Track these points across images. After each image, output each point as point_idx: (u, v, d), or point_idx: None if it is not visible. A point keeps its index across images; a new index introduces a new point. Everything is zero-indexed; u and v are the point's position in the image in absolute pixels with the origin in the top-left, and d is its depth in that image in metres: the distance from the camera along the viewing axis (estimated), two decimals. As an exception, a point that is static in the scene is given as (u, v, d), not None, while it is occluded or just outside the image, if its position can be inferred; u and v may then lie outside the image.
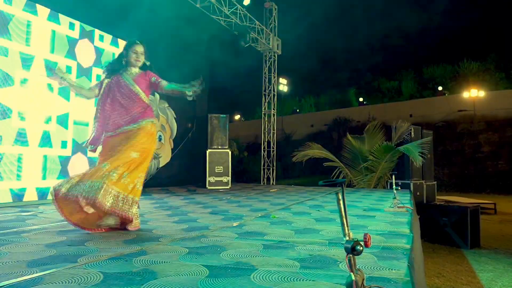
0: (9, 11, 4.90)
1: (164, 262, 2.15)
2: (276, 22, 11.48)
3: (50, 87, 5.40)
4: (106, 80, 3.47)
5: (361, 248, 1.30)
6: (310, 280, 1.85)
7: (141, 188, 3.28)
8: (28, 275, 1.87)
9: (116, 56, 3.60)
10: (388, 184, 9.48)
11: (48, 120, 5.39)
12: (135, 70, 3.48)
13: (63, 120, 5.63)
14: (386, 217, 4.13)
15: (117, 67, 3.49)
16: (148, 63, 3.55)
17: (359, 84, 33.97)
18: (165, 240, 2.81)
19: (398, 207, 4.69)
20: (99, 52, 6.29)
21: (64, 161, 5.62)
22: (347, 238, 1.35)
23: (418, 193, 8.79)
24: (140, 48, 3.48)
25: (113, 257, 2.25)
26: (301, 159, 10.49)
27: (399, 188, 5.62)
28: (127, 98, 3.37)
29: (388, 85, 31.56)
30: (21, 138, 5.01)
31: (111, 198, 2.98)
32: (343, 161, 10.75)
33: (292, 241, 2.78)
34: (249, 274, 1.92)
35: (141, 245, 2.61)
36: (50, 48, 5.43)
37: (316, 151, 10.55)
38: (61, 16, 5.62)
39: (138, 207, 3.30)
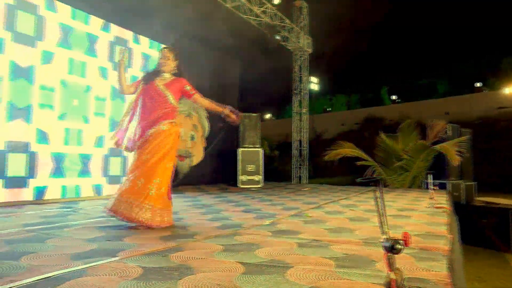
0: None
1: (200, 258, 2.19)
2: (307, 20, 11.39)
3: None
4: (141, 85, 3.58)
5: (401, 246, 1.28)
6: (346, 279, 1.84)
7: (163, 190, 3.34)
8: (73, 267, 1.95)
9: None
10: (424, 183, 9.22)
11: (85, 119, 5.61)
12: (168, 75, 3.57)
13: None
14: (422, 217, 4.03)
15: (152, 73, 3.61)
16: (181, 69, 3.63)
17: (391, 82, 33.19)
18: (200, 237, 2.85)
19: (435, 207, 4.56)
20: (145, 57, 6.48)
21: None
22: (386, 236, 1.33)
23: (456, 194, 8.50)
24: (167, 53, 3.57)
25: (151, 253, 2.31)
26: (333, 158, 10.38)
27: (436, 188, 5.46)
28: (154, 101, 3.47)
29: (422, 82, 30.67)
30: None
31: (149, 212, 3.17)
32: (376, 160, 10.55)
33: (326, 240, 2.76)
34: (284, 272, 1.93)
35: (177, 241, 2.67)
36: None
37: (348, 150, 10.40)
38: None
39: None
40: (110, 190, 5.89)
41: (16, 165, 4.74)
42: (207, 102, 3.69)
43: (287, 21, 10.47)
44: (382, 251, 1.36)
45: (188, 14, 7.31)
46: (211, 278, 1.80)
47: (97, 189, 5.75)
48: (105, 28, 5.95)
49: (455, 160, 8.26)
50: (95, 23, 5.80)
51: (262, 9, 9.40)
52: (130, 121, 3.54)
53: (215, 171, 9.10)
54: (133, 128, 3.50)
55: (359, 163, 10.29)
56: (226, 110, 3.72)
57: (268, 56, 11.45)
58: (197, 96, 3.65)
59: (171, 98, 3.50)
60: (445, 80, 29.01)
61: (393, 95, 32.63)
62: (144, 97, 3.51)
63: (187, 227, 3.31)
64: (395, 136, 10.53)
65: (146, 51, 6.70)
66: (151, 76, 3.59)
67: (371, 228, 3.31)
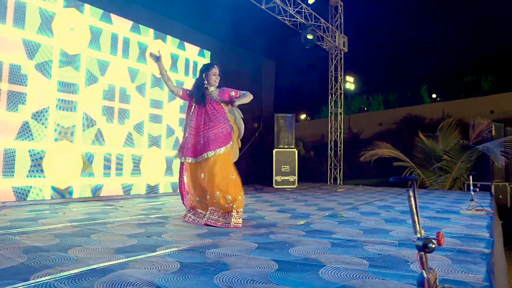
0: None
1: (235, 255, 2.25)
2: (342, 19, 11.26)
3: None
4: (195, 102, 3.67)
5: (433, 245, 1.28)
6: (379, 278, 1.84)
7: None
8: (116, 260, 2.07)
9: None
10: (465, 185, 8.88)
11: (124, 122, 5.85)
12: (213, 88, 3.71)
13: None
14: (462, 220, 3.91)
15: (202, 91, 3.67)
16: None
17: (432, 80, 32.04)
18: (235, 235, 2.92)
19: (476, 209, 4.40)
20: (173, 58, 6.68)
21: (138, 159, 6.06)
22: (419, 235, 1.34)
23: (500, 196, 8.13)
24: (217, 70, 3.73)
25: (188, 249, 2.40)
26: (369, 158, 10.20)
27: (477, 189, 5.25)
28: (213, 116, 3.62)
29: (465, 79, 29.41)
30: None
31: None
32: (414, 161, 10.27)
33: (360, 240, 2.76)
34: (317, 270, 1.95)
35: (213, 238, 2.76)
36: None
37: (385, 150, 10.19)
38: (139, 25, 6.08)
39: None
40: (148, 188, 6.11)
41: (63, 164, 5.02)
42: (246, 99, 3.76)
43: (322, 20, 10.40)
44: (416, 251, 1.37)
45: (223, 16, 7.46)
46: (245, 274, 1.86)
47: (136, 187, 5.97)
48: (137, 30, 6.18)
49: (500, 161, 7.90)
50: (146, 32, 6.05)
51: (296, 9, 9.39)
52: (188, 134, 3.67)
53: (250, 172, 9.19)
54: (191, 140, 3.61)
55: (396, 164, 10.06)
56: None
57: (304, 56, 11.43)
58: (238, 101, 3.74)
59: (226, 110, 3.77)
60: (490, 77, 27.66)
61: (434, 93, 31.51)
62: (200, 112, 3.62)
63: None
64: (435, 136, 10.20)
65: (175, 51, 6.89)
66: (202, 93, 3.66)
67: (407, 229, 3.26)
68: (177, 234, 2.92)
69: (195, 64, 6.99)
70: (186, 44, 6.91)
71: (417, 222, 1.35)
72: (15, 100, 4.55)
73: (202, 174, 3.51)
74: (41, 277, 1.74)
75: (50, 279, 1.71)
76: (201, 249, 2.39)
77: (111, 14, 5.69)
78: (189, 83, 6.23)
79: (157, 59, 3.57)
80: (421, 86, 31.50)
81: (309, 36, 9.59)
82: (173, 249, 2.36)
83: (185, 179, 3.75)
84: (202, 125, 3.59)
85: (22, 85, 4.63)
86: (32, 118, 4.71)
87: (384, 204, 5.43)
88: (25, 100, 4.64)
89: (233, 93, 3.74)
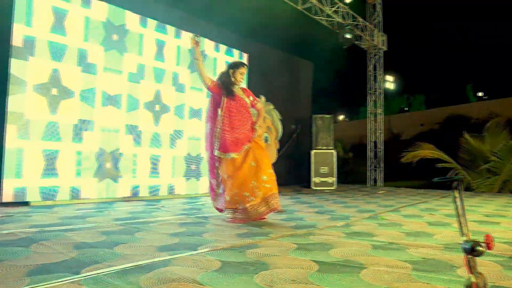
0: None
1: (275, 255, 2.26)
2: (381, 17, 11.01)
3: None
4: (225, 96, 3.79)
5: (482, 249, 1.23)
6: (423, 282, 1.79)
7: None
8: (159, 257, 2.14)
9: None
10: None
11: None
12: (237, 86, 3.88)
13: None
14: (513, 223, 3.71)
15: (230, 85, 3.83)
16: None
17: (477, 78, 30.59)
18: (275, 235, 2.93)
19: (528, 213, 4.16)
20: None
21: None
22: (466, 238, 1.29)
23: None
24: (245, 70, 3.90)
25: (229, 248, 2.44)
26: (411, 160, 9.90)
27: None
28: (241, 113, 3.78)
29: (515, 76, 27.81)
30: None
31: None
32: (459, 162, 9.86)
33: (403, 243, 2.69)
34: (358, 272, 1.93)
35: (252, 238, 2.78)
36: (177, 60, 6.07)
37: (428, 151, 9.85)
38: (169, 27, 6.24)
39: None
40: (187, 190, 6.25)
41: (108, 166, 5.24)
42: (262, 112, 4.06)
43: (360, 19, 10.22)
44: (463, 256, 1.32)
45: (260, 18, 7.50)
46: (285, 274, 1.86)
47: (177, 188, 6.11)
48: (178, 35, 6.32)
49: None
50: (170, 31, 6.20)
51: (333, 9, 9.29)
52: (222, 128, 3.77)
53: (288, 173, 9.17)
54: (229, 135, 3.72)
55: (439, 165, 9.69)
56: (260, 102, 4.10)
57: (341, 56, 11.27)
58: (260, 104, 4.03)
59: (251, 109, 3.89)
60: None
61: (479, 91, 30.09)
62: (231, 107, 3.74)
63: (262, 226, 3.41)
64: (482, 137, 9.74)
65: (211, 54, 6.99)
66: (230, 88, 3.81)
67: (453, 233, 3.14)
68: (217, 234, 2.97)
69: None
70: (221, 46, 7.00)
71: (464, 224, 1.30)
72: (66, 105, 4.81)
73: (252, 162, 3.68)
74: (91, 271, 1.83)
75: (99, 273, 1.80)
76: (241, 249, 2.42)
77: (148, 19, 5.88)
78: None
79: (197, 43, 3.67)
80: (465, 85, 30.18)
81: (347, 36, 9.44)
82: (214, 248, 2.41)
83: (224, 177, 3.75)
84: (235, 120, 3.72)
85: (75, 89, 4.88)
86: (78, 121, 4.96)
87: (427, 206, 5.26)
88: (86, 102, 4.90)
89: (251, 98, 3.93)
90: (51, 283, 1.64)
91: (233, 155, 3.66)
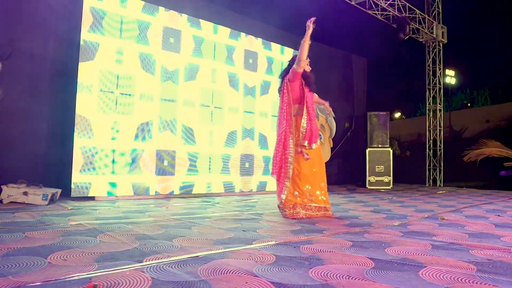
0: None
1: (330, 251, 2.25)
2: (440, 8, 10.46)
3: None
4: (306, 89, 3.86)
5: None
6: (490, 284, 1.69)
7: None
8: (215, 250, 2.21)
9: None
10: None
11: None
12: None
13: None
14: None
15: (311, 79, 3.95)
16: None
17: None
18: (329, 232, 2.91)
19: None
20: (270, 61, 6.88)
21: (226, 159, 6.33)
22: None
23: None
24: (309, 60, 3.91)
25: (283, 243, 2.46)
26: (474, 158, 9.29)
27: None
28: (313, 110, 3.88)
29: None
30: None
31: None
32: (531, 161, 9.10)
33: (465, 244, 2.55)
34: (417, 271, 1.86)
35: (306, 235, 2.78)
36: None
37: (494, 149, 9.19)
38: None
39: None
40: (242, 187, 6.35)
41: (166, 164, 5.47)
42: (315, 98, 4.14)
43: (418, 11, 9.78)
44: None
45: (311, 15, 7.42)
46: (340, 270, 1.84)
47: (230, 186, 6.24)
48: (235, 37, 6.44)
49: None
50: (224, 32, 6.34)
51: (389, 1, 8.97)
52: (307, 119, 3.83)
53: (342, 172, 9.02)
54: (311, 125, 3.81)
55: (507, 164, 9.02)
56: (326, 104, 4.27)
57: (398, 50, 10.87)
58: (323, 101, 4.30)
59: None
60: None
61: (554, 84, 27.55)
62: (310, 98, 3.86)
63: (316, 223, 3.39)
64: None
65: (272, 55, 7.03)
66: (312, 81, 3.90)
67: (523, 234, 2.92)
68: (272, 230, 3.00)
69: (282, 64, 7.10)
70: (273, 45, 7.03)
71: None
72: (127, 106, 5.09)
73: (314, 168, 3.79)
74: (152, 260, 1.93)
75: (160, 262, 1.89)
76: (295, 244, 2.42)
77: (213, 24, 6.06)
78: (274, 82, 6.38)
79: (308, 27, 3.68)
80: (538, 77, 27.81)
81: (404, 29, 9.08)
82: (269, 243, 2.44)
83: (302, 170, 3.74)
84: (312, 111, 3.83)
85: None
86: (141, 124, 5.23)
87: (493, 207, 4.93)
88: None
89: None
90: (117, 269, 1.76)
91: (314, 145, 3.78)
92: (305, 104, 3.77)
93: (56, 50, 5.11)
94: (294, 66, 3.75)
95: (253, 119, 6.62)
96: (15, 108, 4.74)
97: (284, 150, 3.79)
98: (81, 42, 4.76)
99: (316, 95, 4.13)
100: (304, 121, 3.75)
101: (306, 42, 3.67)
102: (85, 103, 4.75)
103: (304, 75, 3.83)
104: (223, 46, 6.24)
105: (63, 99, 4.99)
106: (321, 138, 8.36)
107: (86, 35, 4.80)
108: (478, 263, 2.05)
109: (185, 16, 5.79)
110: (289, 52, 7.20)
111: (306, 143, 3.73)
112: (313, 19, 3.67)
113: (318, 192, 3.72)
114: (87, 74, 4.78)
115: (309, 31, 3.66)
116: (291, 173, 3.75)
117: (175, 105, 5.62)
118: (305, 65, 3.79)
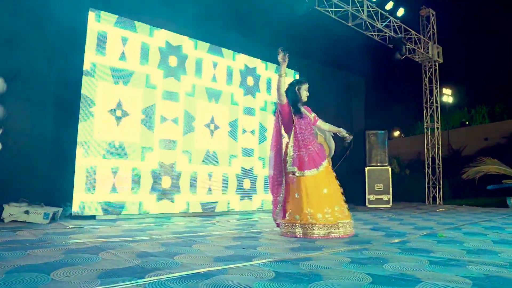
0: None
1: (328, 267, 2.27)
2: (435, 28, 10.69)
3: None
4: (293, 114, 3.83)
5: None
6: (485, 298, 1.72)
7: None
8: (216, 267, 2.23)
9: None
10: None
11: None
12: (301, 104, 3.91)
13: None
14: None
15: (299, 103, 3.88)
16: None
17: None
18: (328, 250, 2.93)
19: None
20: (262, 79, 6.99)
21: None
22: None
23: None
24: (307, 86, 3.91)
25: (282, 260, 2.48)
26: (472, 176, 9.35)
27: None
28: (308, 132, 3.84)
29: None
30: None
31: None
32: (529, 178, 9.14)
33: (463, 260, 2.58)
34: (414, 285, 1.89)
35: (305, 252, 2.80)
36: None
37: (492, 166, 9.25)
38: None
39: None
40: (241, 207, 6.36)
41: (165, 183, 5.51)
42: (327, 125, 4.09)
43: (413, 32, 10.00)
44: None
45: (310, 36, 7.59)
46: (339, 285, 1.87)
47: (229, 204, 6.26)
48: (233, 57, 6.58)
49: None
50: (227, 54, 6.48)
51: (385, 23, 9.18)
52: (295, 147, 3.81)
53: (342, 190, 9.02)
54: (304, 153, 3.77)
55: (506, 181, 9.06)
56: (342, 131, 4.13)
57: (394, 70, 11.04)
58: (320, 122, 4.06)
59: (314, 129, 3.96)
60: None
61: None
62: (301, 125, 3.81)
63: (315, 241, 3.41)
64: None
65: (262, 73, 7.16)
66: (298, 106, 3.86)
67: (520, 251, 2.95)
68: (271, 247, 3.03)
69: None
70: (270, 65, 7.17)
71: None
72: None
73: (325, 189, 3.76)
74: (153, 276, 1.96)
75: (161, 278, 1.93)
76: (294, 261, 2.45)
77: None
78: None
79: (284, 60, 3.66)
80: (534, 95, 28.04)
81: (400, 49, 9.26)
82: (268, 260, 2.47)
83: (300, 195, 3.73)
84: (305, 138, 3.78)
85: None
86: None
87: (492, 225, 4.95)
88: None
89: (313, 114, 3.99)
90: (119, 285, 1.79)
91: (314, 171, 3.72)
92: (292, 132, 3.78)
93: (60, 71, 5.21)
94: (276, 99, 3.83)
95: (253, 149, 6.68)
96: (17, 127, 4.82)
97: (275, 175, 3.87)
98: (84, 66, 4.87)
99: (327, 124, 4.09)
100: (290, 149, 3.77)
101: (283, 77, 3.68)
102: (88, 123, 4.83)
103: (289, 105, 3.80)
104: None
105: (66, 119, 5.06)
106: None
107: (89, 57, 4.92)
108: (475, 278, 2.08)
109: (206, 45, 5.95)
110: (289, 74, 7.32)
111: (295, 169, 3.73)
112: (280, 50, 3.65)
113: (320, 215, 3.62)
114: (91, 94, 4.88)
115: (283, 66, 3.66)
116: (282, 196, 3.80)
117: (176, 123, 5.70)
118: (284, 99, 3.76)
